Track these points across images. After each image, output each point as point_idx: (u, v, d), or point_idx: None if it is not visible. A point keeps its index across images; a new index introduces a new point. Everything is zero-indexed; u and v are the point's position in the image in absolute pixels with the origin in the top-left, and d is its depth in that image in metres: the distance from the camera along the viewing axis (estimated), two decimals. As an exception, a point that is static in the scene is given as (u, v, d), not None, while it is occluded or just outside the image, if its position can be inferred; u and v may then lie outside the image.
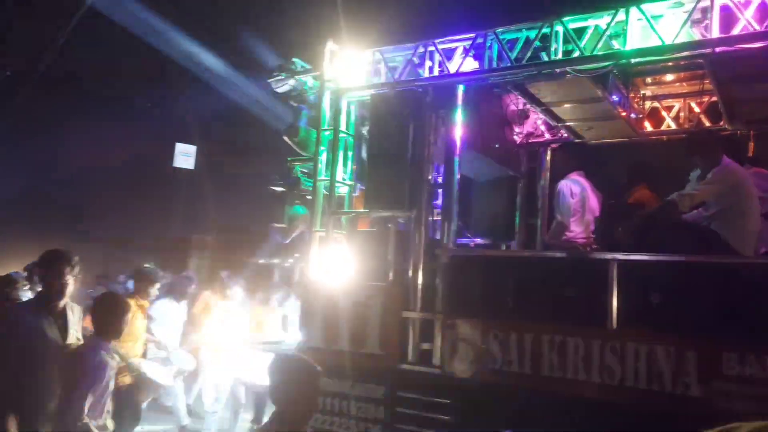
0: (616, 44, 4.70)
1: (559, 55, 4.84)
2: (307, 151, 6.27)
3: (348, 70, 5.91)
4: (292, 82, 6.32)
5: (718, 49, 4.21)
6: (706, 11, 4.27)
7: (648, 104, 6.79)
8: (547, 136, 7.48)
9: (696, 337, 3.90)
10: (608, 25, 4.57)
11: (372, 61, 5.77)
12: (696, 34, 4.39)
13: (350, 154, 6.06)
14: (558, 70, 4.82)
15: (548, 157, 7.52)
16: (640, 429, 3.96)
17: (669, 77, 6.69)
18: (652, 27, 4.37)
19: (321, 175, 5.85)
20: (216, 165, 21.85)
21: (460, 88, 5.25)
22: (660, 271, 4.14)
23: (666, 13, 4.49)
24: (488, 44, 5.12)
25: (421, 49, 5.44)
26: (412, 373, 5.02)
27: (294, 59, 6.25)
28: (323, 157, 5.90)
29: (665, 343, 3.99)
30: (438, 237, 5.61)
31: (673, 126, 6.72)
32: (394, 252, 5.30)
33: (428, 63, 5.46)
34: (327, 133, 5.92)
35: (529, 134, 7.47)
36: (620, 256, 4.22)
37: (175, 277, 8.53)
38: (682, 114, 6.72)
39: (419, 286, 5.14)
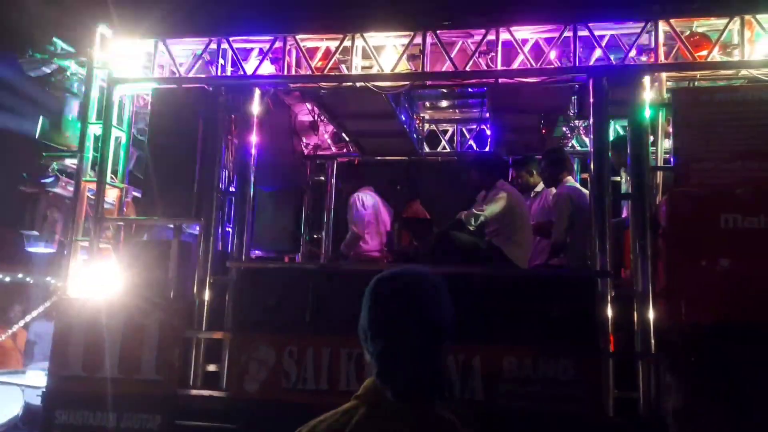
0: (412, 65, 4.89)
1: (359, 69, 4.86)
2: (63, 144, 5.38)
3: (123, 59, 5.21)
4: (49, 65, 5.37)
5: (501, 80, 4.61)
6: (491, 44, 4.65)
7: (427, 126, 7.25)
8: (334, 149, 7.55)
9: (481, 345, 4.17)
10: (406, 45, 4.72)
11: (153, 52, 5.16)
12: (482, 65, 4.77)
13: (122, 153, 5.32)
14: (358, 84, 4.83)
15: (334, 171, 7.60)
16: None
17: (444, 104, 7.24)
18: (446, 53, 4.63)
19: (86, 175, 5.03)
20: None
21: (257, 92, 4.97)
22: (452, 283, 4.34)
23: (456, 41, 4.80)
24: (287, 49, 4.94)
25: (213, 46, 5.03)
26: (195, 399, 4.54)
27: (54, 39, 5.31)
28: (89, 155, 5.09)
29: (454, 350, 4.19)
30: (223, 249, 5.25)
31: (448, 148, 7.27)
32: (176, 265, 4.76)
33: (220, 61, 5.07)
34: (95, 127, 5.13)
35: (317, 146, 7.45)
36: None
37: None
38: (455, 138, 7.31)
39: (205, 303, 4.69)
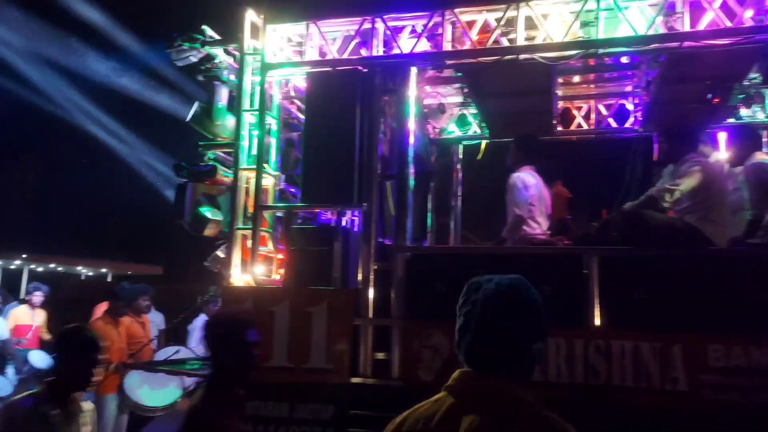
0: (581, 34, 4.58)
1: (522, 41, 4.58)
2: (214, 133, 5.37)
3: (272, 44, 5.14)
4: (197, 54, 5.36)
5: (685, 44, 4.23)
6: (673, 6, 4.28)
7: (560, 104, 6.87)
8: (459, 132, 7.32)
9: (681, 332, 3.85)
10: (579, 12, 4.41)
11: (304, 35, 5.05)
12: (661, 29, 4.39)
13: (273, 141, 5.27)
14: (521, 57, 4.56)
15: (461, 154, 7.37)
16: (631, 427, 3.82)
17: (576, 79, 6.83)
18: (624, 17, 4.30)
19: (243, 163, 5.00)
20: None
21: (414, 71, 4.79)
22: (642, 266, 4.04)
23: (632, 5, 4.44)
24: (445, 25, 4.72)
25: (367, 25, 4.87)
26: (367, 388, 4.42)
27: (203, 27, 5.30)
28: (245, 143, 5.06)
29: (651, 339, 3.89)
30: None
31: (585, 126, 6.88)
32: (340, 252, 4.66)
33: (374, 42, 4.90)
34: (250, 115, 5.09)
35: (442, 129, 7.24)
36: (600, 251, 4.06)
37: None
38: (591, 115, 6.90)
39: (370, 290, 4.56)
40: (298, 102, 5.73)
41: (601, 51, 4.47)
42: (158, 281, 14.69)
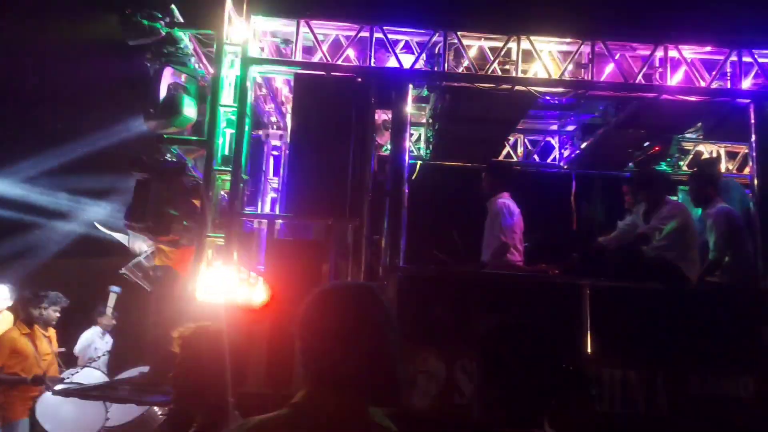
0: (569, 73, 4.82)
1: (518, 73, 4.71)
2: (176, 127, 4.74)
3: (253, 38, 4.70)
4: (155, 33, 4.70)
5: (664, 97, 4.67)
6: (645, 58, 4.72)
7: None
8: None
9: (665, 361, 4.18)
10: (575, 52, 4.65)
11: (295, 33, 4.67)
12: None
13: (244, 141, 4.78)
14: (517, 88, 4.69)
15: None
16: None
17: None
18: (617, 67, 4.63)
19: (218, 164, 4.46)
20: None
21: (410, 88, 4.68)
22: (630, 298, 4.32)
23: (618, 53, 4.79)
24: (446, 45, 4.68)
25: (365, 33, 4.66)
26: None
27: (171, 6, 4.67)
28: (221, 142, 4.53)
29: (638, 367, 4.17)
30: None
31: (514, 157, 7.24)
32: (331, 267, 4.35)
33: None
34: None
35: (380, 146, 7.15)
36: (594, 283, 4.29)
37: None
38: (518, 148, 7.29)
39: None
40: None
41: (589, 92, 4.76)
42: None
